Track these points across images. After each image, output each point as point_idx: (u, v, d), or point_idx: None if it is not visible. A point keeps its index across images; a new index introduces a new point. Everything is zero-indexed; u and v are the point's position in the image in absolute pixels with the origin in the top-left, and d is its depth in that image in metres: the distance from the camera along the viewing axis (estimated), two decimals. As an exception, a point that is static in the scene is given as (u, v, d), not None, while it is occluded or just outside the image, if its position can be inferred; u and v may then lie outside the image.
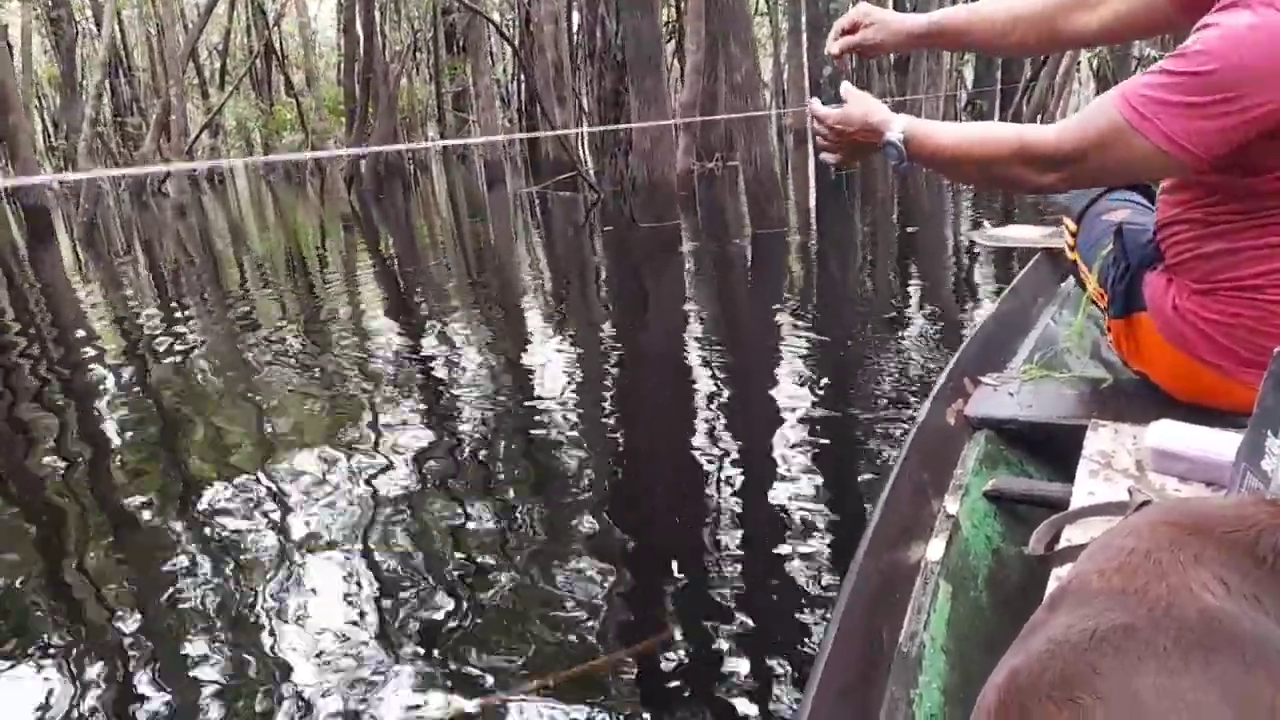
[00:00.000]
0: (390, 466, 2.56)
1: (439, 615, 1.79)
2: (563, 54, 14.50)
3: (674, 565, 1.95)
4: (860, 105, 1.25)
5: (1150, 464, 1.16)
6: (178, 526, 2.29)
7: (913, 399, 2.79)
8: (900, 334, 3.63)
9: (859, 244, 6.35)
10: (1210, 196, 1.21)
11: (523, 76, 20.49)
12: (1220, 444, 1.09)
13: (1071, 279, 2.11)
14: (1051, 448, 1.44)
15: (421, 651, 1.66)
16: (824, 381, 3.10)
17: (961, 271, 4.96)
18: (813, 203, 7.77)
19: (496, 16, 18.04)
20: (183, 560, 2.10)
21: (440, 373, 3.59)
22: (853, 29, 1.39)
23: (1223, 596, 0.55)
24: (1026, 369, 1.65)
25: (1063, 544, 1.03)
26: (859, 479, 2.30)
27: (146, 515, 2.38)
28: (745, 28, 6.84)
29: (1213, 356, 1.27)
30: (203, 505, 2.41)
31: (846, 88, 1.28)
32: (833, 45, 1.39)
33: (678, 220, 7.20)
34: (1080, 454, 1.23)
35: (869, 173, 10.09)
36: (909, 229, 6.79)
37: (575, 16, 16.05)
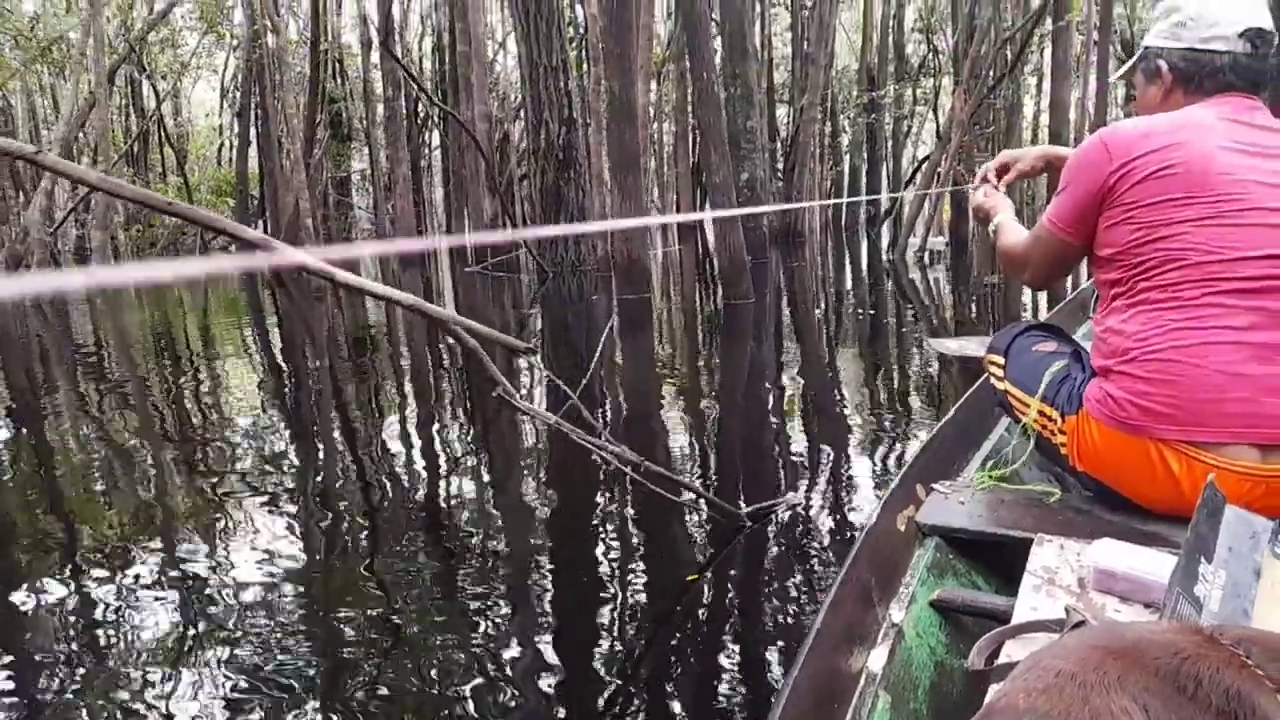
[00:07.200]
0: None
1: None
2: (494, 152, 16.76)
3: (599, 668, 1.95)
4: (997, 199, 1.97)
5: (1092, 582, 1.26)
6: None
7: (861, 501, 2.90)
8: (852, 436, 3.75)
9: (806, 327, 7.52)
10: (1102, 288, 1.62)
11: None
12: (1159, 566, 1.19)
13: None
14: (999, 559, 1.54)
15: None
16: (772, 479, 3.18)
17: (910, 373, 5.15)
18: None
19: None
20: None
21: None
22: (1004, 170, 2.04)
23: (1142, 724, 0.61)
24: (978, 478, 1.75)
25: (1003, 659, 1.10)
26: (807, 581, 2.35)
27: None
28: (722, 140, 9.02)
29: (1139, 419, 1.48)
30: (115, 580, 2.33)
31: (994, 192, 2.01)
32: (982, 190, 2.01)
33: (649, 293, 9.29)
34: (1025, 567, 1.31)
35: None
36: (858, 314, 7.87)
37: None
